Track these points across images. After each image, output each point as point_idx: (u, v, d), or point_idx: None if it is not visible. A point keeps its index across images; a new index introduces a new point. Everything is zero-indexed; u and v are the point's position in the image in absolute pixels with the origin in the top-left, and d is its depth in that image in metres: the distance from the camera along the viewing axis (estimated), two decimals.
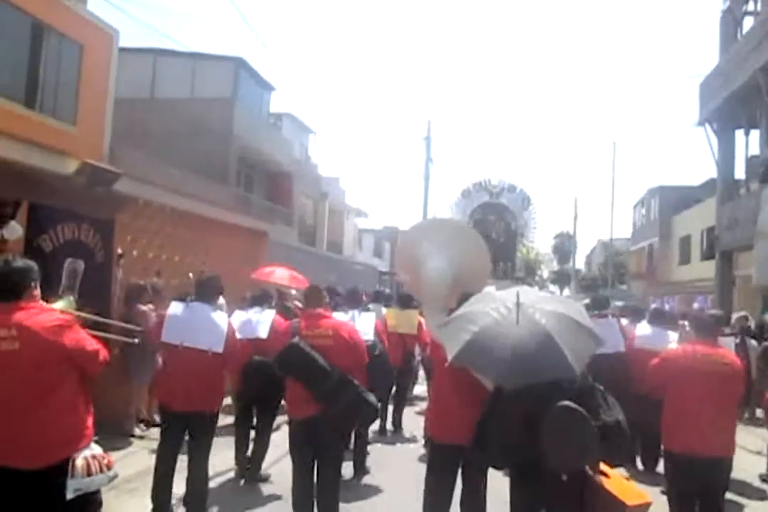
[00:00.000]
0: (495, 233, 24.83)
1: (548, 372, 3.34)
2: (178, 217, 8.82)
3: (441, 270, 4.69)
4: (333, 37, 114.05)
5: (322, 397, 4.40)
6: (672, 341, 6.64)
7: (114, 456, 3.18)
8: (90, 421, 3.04)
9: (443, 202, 28.15)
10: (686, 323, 5.99)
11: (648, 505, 3.52)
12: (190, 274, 6.04)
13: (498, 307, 3.63)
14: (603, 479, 3.49)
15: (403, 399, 8.40)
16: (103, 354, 3.13)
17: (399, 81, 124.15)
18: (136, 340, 4.70)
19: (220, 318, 4.82)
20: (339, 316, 5.62)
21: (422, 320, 7.49)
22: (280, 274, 9.05)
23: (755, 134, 18.05)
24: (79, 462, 2.87)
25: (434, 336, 4.39)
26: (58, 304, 3.38)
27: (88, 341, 3.08)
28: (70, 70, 11.57)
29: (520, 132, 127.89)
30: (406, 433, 8.03)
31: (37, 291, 3.11)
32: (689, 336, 6.59)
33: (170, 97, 19.46)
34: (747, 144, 19.18)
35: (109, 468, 2.99)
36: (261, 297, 6.36)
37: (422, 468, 4.42)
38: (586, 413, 3.26)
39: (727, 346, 5.52)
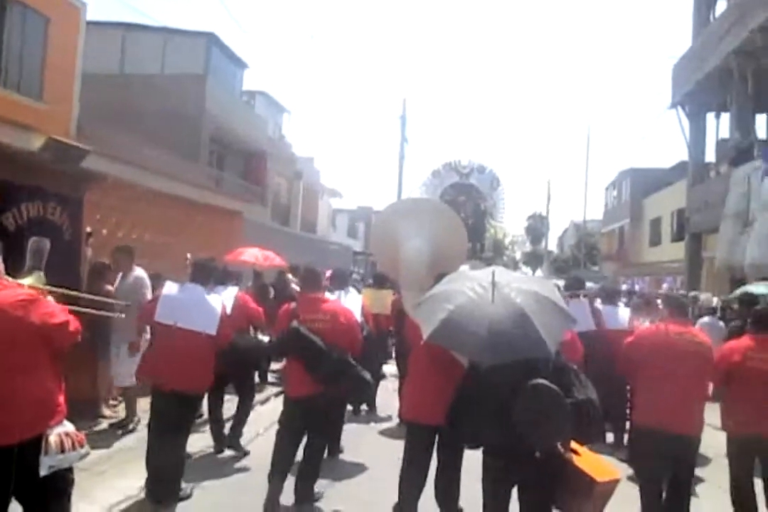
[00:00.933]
0: (464, 213, 24.91)
1: (524, 350, 3.35)
2: (150, 196, 8.67)
3: (419, 251, 4.68)
4: (307, 13, 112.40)
5: (321, 379, 4.55)
6: (624, 318, 7.02)
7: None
8: (62, 398, 3.01)
9: (418, 181, 28.03)
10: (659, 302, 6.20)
11: (618, 481, 3.57)
12: (188, 255, 5.95)
13: (473, 286, 3.63)
14: (574, 456, 3.53)
15: (377, 379, 8.44)
16: (74, 325, 3.07)
17: (374, 59, 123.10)
18: (123, 315, 4.61)
19: (214, 300, 4.85)
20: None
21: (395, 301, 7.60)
22: (250, 253, 9.03)
23: (726, 117, 18.28)
24: (53, 438, 2.86)
25: (411, 316, 4.39)
26: (27, 280, 3.27)
27: (57, 313, 3.01)
28: (35, 44, 11.25)
29: (494, 112, 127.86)
30: (381, 413, 8.08)
31: (1, 267, 3.04)
32: (639, 314, 6.94)
33: (140, 72, 19.03)
34: (717, 127, 19.45)
35: (81, 445, 2.99)
36: (224, 276, 6.38)
37: (397, 446, 4.49)
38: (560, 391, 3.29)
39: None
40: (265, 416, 6.91)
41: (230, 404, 6.31)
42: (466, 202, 25.18)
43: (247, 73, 23.12)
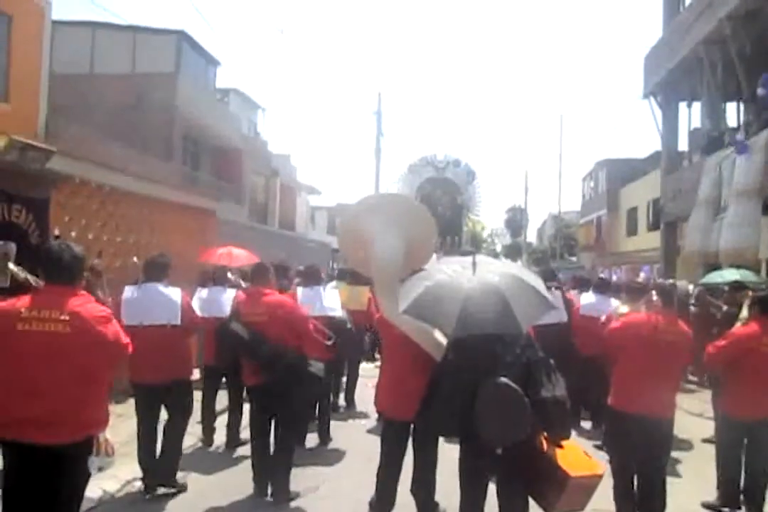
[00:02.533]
0: (441, 207, 24.87)
1: (495, 325, 3.42)
2: (120, 196, 8.55)
3: (393, 249, 4.48)
4: (276, 8, 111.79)
5: (259, 369, 4.78)
6: (615, 307, 6.95)
7: None
8: (108, 407, 3.34)
9: (395, 176, 28.03)
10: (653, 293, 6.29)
11: (598, 477, 3.59)
12: (135, 258, 5.95)
13: (454, 267, 3.75)
14: (556, 450, 3.54)
15: (355, 376, 8.45)
16: (130, 347, 3.34)
17: (347, 53, 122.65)
18: None
19: (172, 292, 5.06)
20: (305, 293, 6.25)
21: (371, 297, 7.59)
22: (218, 253, 9.00)
23: (697, 106, 18.43)
24: (102, 442, 3.26)
25: (385, 313, 4.36)
26: None
27: (122, 334, 3.32)
28: None
29: (470, 105, 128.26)
30: (359, 409, 8.07)
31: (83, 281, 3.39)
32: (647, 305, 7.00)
33: (110, 72, 18.78)
34: (690, 116, 19.60)
35: (113, 452, 3.37)
36: (222, 277, 6.54)
37: (373, 441, 4.57)
38: (523, 389, 3.30)
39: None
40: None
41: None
42: (443, 196, 25.18)
43: (219, 70, 22.97)
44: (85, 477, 3.15)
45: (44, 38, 12.22)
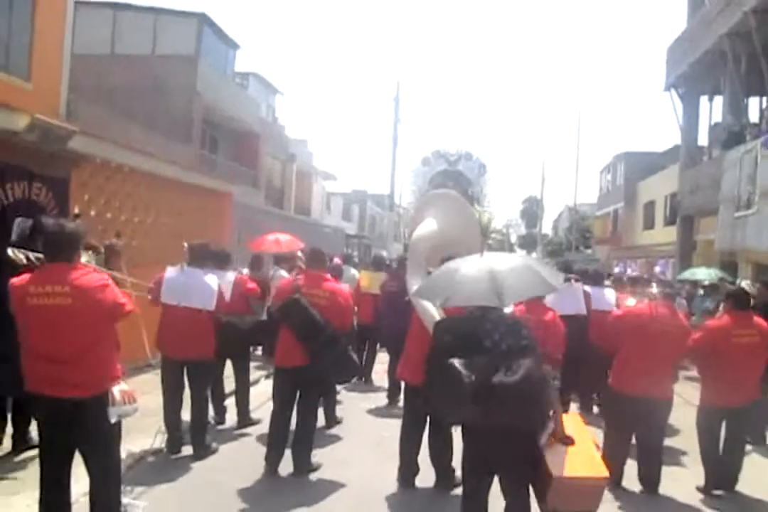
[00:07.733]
0: None
1: (530, 290, 3.75)
2: (139, 177, 8.65)
3: (427, 235, 5.16)
4: None
5: (312, 350, 4.85)
6: (609, 299, 7.32)
7: None
8: (118, 362, 3.56)
9: (411, 165, 28.01)
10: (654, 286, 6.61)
11: (597, 480, 3.43)
12: (185, 243, 6.10)
13: (465, 259, 3.89)
14: (567, 448, 3.47)
15: (373, 354, 8.93)
16: (129, 306, 3.58)
17: (368, 40, 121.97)
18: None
19: (210, 279, 5.38)
20: None
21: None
22: (268, 240, 9.46)
23: (719, 100, 18.20)
24: (117, 394, 3.41)
25: (409, 289, 4.78)
26: (83, 259, 3.74)
27: (120, 296, 3.55)
28: (22, 23, 11.05)
29: (490, 95, 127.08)
30: (371, 392, 8.24)
31: (81, 253, 3.59)
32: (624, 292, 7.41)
33: (131, 53, 18.83)
34: (711, 110, 19.38)
35: (134, 400, 3.51)
36: (223, 260, 6.56)
37: (380, 424, 4.76)
38: (464, 371, 3.22)
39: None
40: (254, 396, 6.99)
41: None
42: (455, 188, 25.02)
43: (239, 53, 22.92)
44: (108, 423, 3.40)
45: (67, 18, 12.24)
